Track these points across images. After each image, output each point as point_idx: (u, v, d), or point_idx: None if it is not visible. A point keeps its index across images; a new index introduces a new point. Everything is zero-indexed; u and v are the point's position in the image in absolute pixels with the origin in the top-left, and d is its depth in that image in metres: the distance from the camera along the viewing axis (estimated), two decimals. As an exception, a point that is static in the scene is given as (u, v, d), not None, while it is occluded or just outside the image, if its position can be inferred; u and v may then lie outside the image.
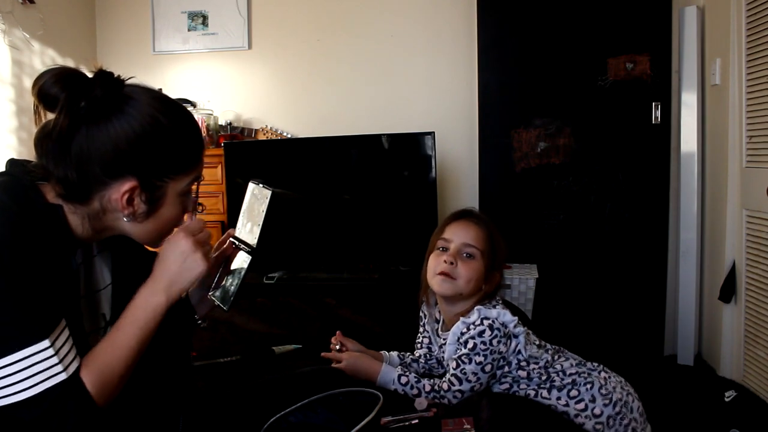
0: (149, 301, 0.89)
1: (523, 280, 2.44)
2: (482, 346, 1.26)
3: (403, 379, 1.31)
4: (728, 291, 2.33)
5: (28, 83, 2.84)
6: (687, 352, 2.66)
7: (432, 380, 1.32)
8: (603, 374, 1.31)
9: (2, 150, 2.69)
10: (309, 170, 2.85)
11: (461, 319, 1.31)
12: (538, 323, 2.35)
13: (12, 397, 0.77)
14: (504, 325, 1.28)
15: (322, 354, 1.43)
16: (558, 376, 1.30)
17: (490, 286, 1.34)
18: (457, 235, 1.34)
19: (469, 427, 1.11)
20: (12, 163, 0.90)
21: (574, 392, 1.27)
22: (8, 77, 2.73)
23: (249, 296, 2.36)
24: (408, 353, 1.52)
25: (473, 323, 1.28)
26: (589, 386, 1.27)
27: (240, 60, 3.28)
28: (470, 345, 1.26)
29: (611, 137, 2.69)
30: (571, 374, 1.30)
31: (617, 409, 1.25)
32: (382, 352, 1.47)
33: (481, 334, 1.26)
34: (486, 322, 1.27)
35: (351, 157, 2.82)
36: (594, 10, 2.68)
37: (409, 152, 2.74)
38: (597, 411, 1.25)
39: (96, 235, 0.92)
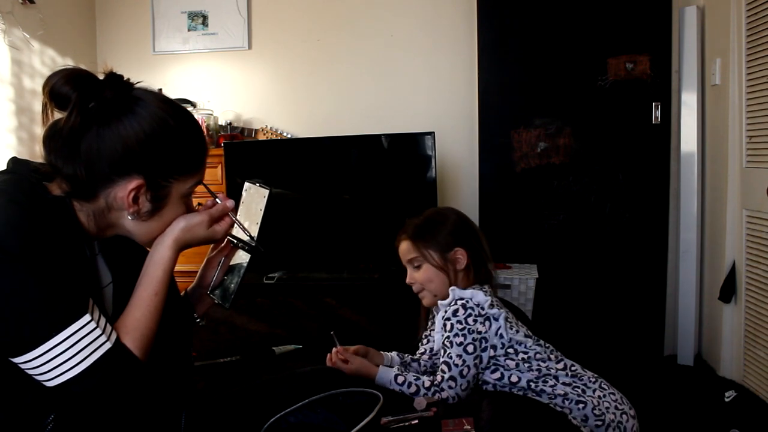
0: (159, 255, 0.95)
1: (523, 280, 2.44)
2: (458, 326, 1.29)
3: (400, 379, 1.32)
4: (728, 291, 2.33)
5: (28, 83, 2.84)
6: (687, 352, 2.66)
7: (432, 376, 1.33)
8: (598, 392, 1.28)
9: (2, 150, 2.69)
10: (309, 170, 2.85)
11: (439, 302, 1.37)
12: (538, 323, 2.35)
13: (67, 373, 0.80)
14: (479, 305, 1.31)
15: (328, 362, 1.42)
16: (549, 380, 1.28)
17: (459, 263, 1.39)
18: (401, 257, 1.46)
19: (469, 427, 1.10)
20: (15, 161, 0.92)
21: (566, 410, 1.25)
22: (8, 77, 2.72)
23: (249, 296, 2.36)
24: (408, 354, 1.52)
25: (448, 304, 1.34)
26: (581, 406, 1.25)
27: (240, 60, 3.28)
28: (448, 327, 1.31)
29: (611, 137, 2.69)
30: (564, 384, 1.28)
31: (609, 431, 1.24)
32: (382, 352, 1.48)
33: (455, 313, 1.30)
34: (459, 302, 1.32)
35: (351, 157, 2.82)
36: (594, 10, 2.68)
37: (409, 152, 2.74)
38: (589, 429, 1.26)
39: (99, 232, 0.93)
